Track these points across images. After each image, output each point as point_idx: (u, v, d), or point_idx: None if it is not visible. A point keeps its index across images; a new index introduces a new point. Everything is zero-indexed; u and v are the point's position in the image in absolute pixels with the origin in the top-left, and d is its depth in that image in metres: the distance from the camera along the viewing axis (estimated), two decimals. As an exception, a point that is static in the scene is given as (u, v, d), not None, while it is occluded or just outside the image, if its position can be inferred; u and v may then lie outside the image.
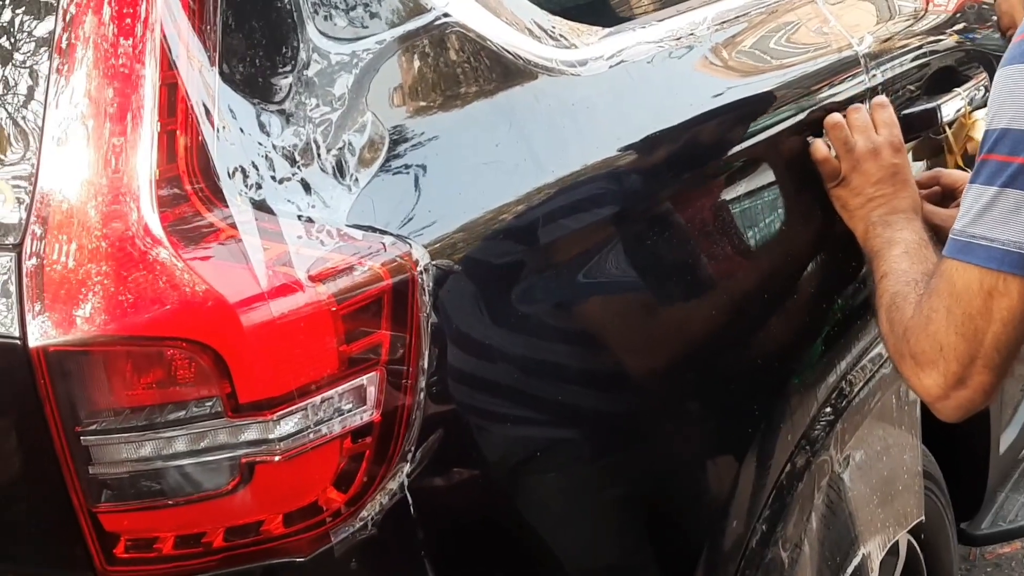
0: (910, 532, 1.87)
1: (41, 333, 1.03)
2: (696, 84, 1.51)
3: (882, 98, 1.67)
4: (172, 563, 1.09)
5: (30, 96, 1.09)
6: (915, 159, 1.91)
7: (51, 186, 1.06)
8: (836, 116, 1.59)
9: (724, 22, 1.61)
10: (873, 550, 1.75)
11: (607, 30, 1.46)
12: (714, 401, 1.49)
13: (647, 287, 1.36)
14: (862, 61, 1.79)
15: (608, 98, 1.36)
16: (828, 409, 1.70)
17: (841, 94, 1.72)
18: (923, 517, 1.86)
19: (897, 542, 1.84)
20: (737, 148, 1.52)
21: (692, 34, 1.54)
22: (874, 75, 1.82)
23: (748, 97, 1.55)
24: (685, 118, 1.44)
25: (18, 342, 1.04)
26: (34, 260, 1.05)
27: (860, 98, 1.76)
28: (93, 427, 1.05)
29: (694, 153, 1.45)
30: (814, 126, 1.65)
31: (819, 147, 1.59)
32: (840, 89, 1.73)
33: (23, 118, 1.10)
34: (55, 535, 1.11)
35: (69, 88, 1.07)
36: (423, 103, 1.22)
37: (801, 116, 1.64)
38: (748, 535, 1.55)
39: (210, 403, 1.06)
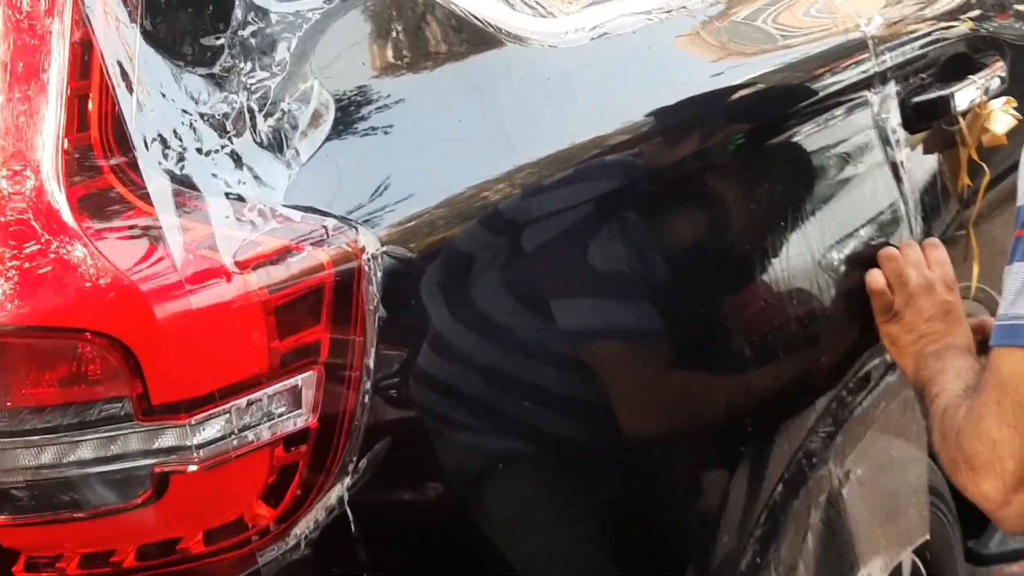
0: (915, 552, 1.77)
1: (-72, 323, 0.92)
2: (687, 62, 1.39)
3: (935, 240, 1.60)
4: (78, 584, 0.98)
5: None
6: (925, 151, 1.79)
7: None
8: (891, 249, 1.53)
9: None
10: (875, 572, 1.64)
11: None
12: (701, 409, 1.37)
13: (629, 283, 1.23)
14: (870, 44, 1.65)
15: (588, 73, 1.23)
16: (828, 420, 1.58)
17: (846, 79, 1.59)
18: (928, 536, 1.75)
19: (900, 563, 1.73)
20: (730, 134, 1.39)
21: (684, 7, 1.41)
22: (883, 59, 1.69)
23: (744, 79, 1.42)
24: (673, 99, 1.31)
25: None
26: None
27: (867, 84, 1.64)
28: (-13, 429, 0.94)
29: (683, 137, 1.32)
30: (815, 114, 1.53)
31: (876, 278, 1.51)
32: (845, 75, 1.60)
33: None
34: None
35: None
36: (377, 72, 1.10)
37: (802, 102, 1.51)
38: (739, 555, 1.43)
39: (119, 404, 0.93)
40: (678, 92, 1.31)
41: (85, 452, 0.95)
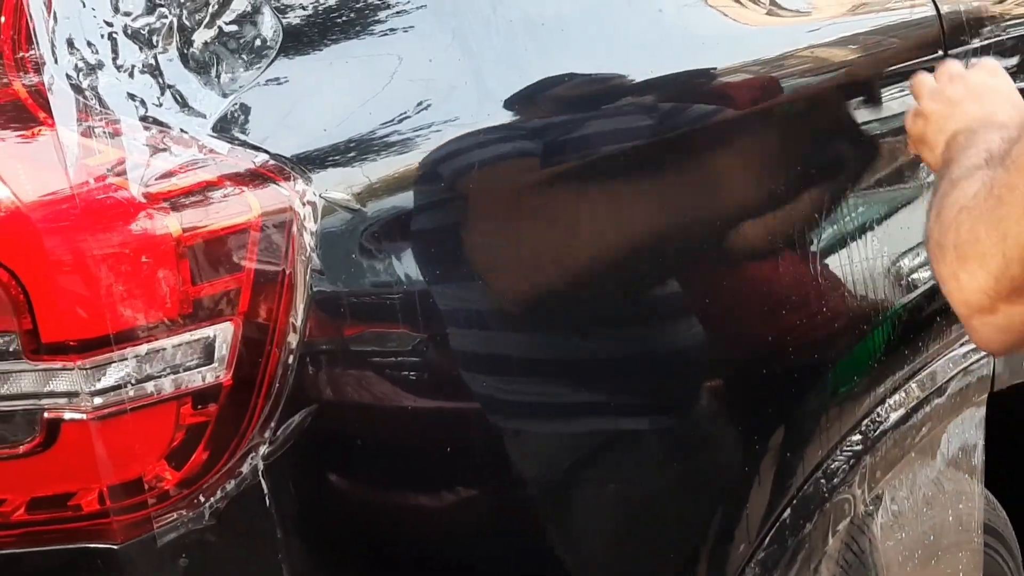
0: (962, 601, 1.60)
1: None
2: (713, 19, 1.23)
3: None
4: (-38, 534, 0.91)
5: None
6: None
7: None
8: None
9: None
10: (908, 619, 1.48)
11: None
12: (697, 408, 1.23)
13: (614, 263, 1.10)
14: (944, 24, 1.50)
15: (590, 20, 1.10)
16: (856, 437, 1.43)
17: (906, 65, 1.43)
18: (981, 584, 1.58)
19: (942, 612, 1.57)
20: (756, 107, 1.23)
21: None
22: (958, 45, 1.53)
23: (776, 50, 1.27)
24: (693, 62, 1.17)
25: None
26: None
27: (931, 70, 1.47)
28: None
29: (698, 105, 1.18)
30: (866, 100, 1.37)
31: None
32: (905, 63, 1.44)
33: None
34: None
35: None
36: (338, -5, 1.00)
37: (849, 82, 1.35)
38: (738, 577, 1.30)
39: (6, 339, 0.85)
40: (697, 53, 1.17)
41: (-29, 388, 0.88)
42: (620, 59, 1.10)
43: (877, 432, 1.44)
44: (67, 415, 0.87)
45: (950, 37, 1.51)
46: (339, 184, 0.94)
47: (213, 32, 0.91)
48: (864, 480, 1.43)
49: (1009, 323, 0.95)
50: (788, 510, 1.32)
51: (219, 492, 0.92)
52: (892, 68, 1.41)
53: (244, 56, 0.92)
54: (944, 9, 1.51)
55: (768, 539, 1.31)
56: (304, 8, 0.96)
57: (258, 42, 0.93)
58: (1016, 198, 0.88)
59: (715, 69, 1.24)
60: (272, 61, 0.93)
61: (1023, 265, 0.89)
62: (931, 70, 1.45)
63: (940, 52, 1.49)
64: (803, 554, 1.34)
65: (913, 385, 1.49)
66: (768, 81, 1.31)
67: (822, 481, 1.38)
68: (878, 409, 1.46)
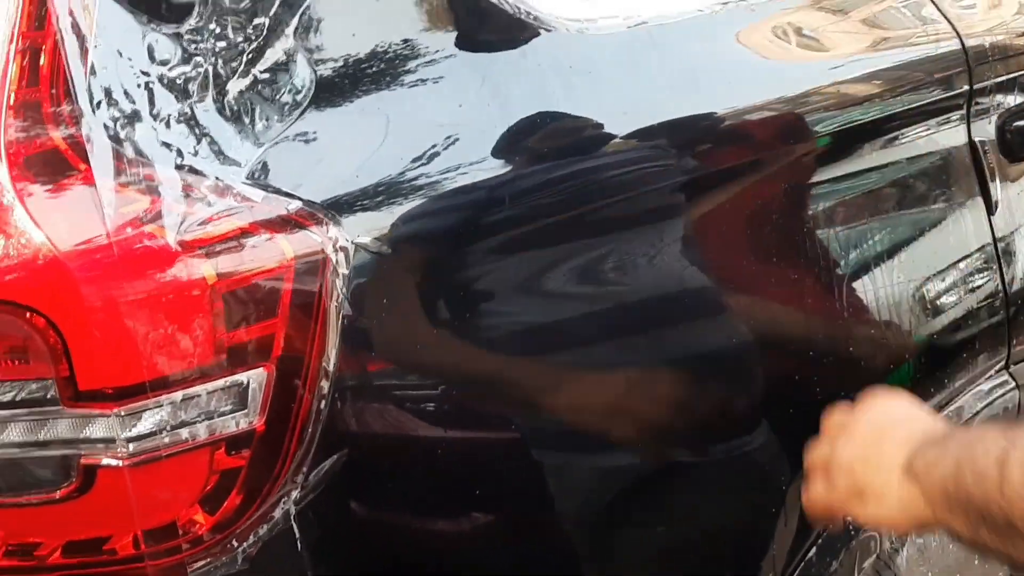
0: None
1: None
2: (738, 61, 1.23)
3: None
4: (0, 576, 0.92)
5: None
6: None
7: None
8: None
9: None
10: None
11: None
12: (731, 449, 1.23)
13: (641, 300, 1.10)
14: (967, 55, 1.49)
15: (618, 65, 1.10)
16: (883, 472, 1.42)
17: (933, 94, 1.42)
18: (1007, 619, 1.56)
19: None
20: (783, 149, 1.23)
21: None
22: (981, 78, 1.52)
23: (806, 86, 1.26)
24: (719, 104, 1.17)
25: None
26: None
27: (957, 106, 1.47)
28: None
29: (725, 148, 1.18)
30: (891, 132, 1.36)
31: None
32: (933, 89, 1.43)
33: None
34: None
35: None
36: (369, 42, 0.99)
37: (875, 116, 1.34)
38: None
39: (45, 386, 0.86)
40: (723, 96, 1.16)
41: (12, 434, 0.87)
42: (648, 100, 1.10)
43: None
44: (103, 461, 0.88)
45: (976, 71, 1.51)
46: (370, 229, 0.95)
47: (248, 81, 0.92)
48: (891, 515, 1.42)
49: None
50: (814, 549, 1.32)
51: (252, 537, 0.92)
52: (917, 104, 1.42)
53: (278, 105, 0.93)
54: (969, 43, 1.51)
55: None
56: (335, 60, 0.97)
57: (292, 91, 0.94)
58: None
59: (740, 107, 1.25)
60: (305, 109, 0.94)
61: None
62: (959, 106, 1.45)
63: (966, 87, 1.49)
64: (829, 591, 1.33)
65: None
66: (793, 118, 1.31)
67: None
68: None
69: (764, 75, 1.30)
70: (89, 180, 0.86)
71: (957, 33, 1.52)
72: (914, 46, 1.45)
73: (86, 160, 0.87)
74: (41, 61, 0.87)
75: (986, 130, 1.56)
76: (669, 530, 1.12)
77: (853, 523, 1.08)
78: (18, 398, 0.86)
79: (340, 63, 0.97)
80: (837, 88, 1.33)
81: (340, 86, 0.97)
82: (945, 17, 1.47)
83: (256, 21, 0.93)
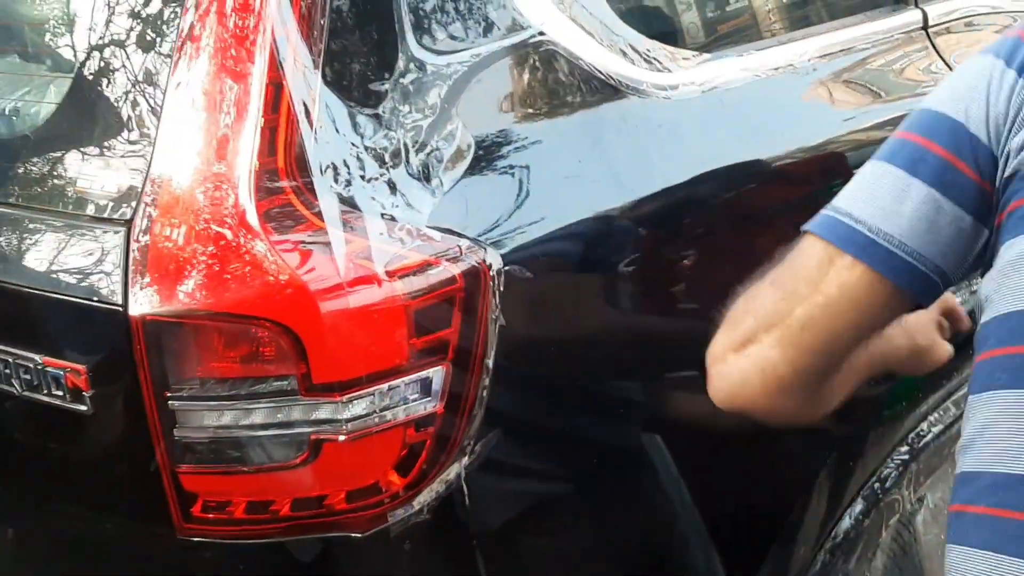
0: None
1: (141, 303, 1.13)
2: (791, 117, 1.52)
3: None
4: (242, 526, 1.17)
5: (152, 81, 1.19)
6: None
7: (163, 169, 1.16)
8: None
9: (827, 55, 1.62)
10: (947, 600, 1.71)
11: (705, 56, 1.49)
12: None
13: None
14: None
15: (696, 124, 1.39)
16: (904, 448, 1.68)
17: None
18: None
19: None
20: (831, 187, 1.52)
21: (792, 65, 1.55)
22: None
23: (845, 135, 1.55)
24: (777, 151, 1.46)
25: (120, 309, 1.14)
26: (143, 236, 1.15)
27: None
28: (181, 393, 1.13)
29: (784, 188, 1.47)
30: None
31: None
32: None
33: (145, 101, 1.19)
34: (141, 490, 1.20)
35: (188, 77, 1.16)
36: (511, 115, 1.28)
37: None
38: (809, 564, 1.55)
39: (287, 381, 1.13)
40: (780, 145, 1.46)
41: (257, 418, 1.14)
42: (717, 151, 1.39)
43: (920, 444, 1.70)
44: (328, 437, 1.14)
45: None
46: (517, 258, 1.22)
47: (428, 149, 1.19)
48: (910, 483, 1.67)
49: (728, 370, 1.07)
50: (854, 506, 1.58)
51: (433, 494, 1.19)
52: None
53: (448, 165, 1.20)
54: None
55: (835, 531, 1.57)
56: (487, 130, 1.24)
57: (457, 155, 1.21)
58: (767, 277, 1.07)
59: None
60: (467, 170, 1.21)
61: (756, 322, 1.05)
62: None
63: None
64: (862, 543, 1.59)
65: (950, 404, 1.75)
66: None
67: (876, 485, 1.64)
68: (921, 425, 1.72)
69: (802, 127, 1.58)
70: (316, 227, 1.14)
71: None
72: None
73: (315, 212, 1.14)
74: (277, 137, 1.15)
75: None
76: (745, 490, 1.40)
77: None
78: (267, 390, 1.14)
79: (491, 131, 1.25)
80: (868, 134, 1.60)
81: (491, 149, 1.24)
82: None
83: (431, 102, 1.21)
